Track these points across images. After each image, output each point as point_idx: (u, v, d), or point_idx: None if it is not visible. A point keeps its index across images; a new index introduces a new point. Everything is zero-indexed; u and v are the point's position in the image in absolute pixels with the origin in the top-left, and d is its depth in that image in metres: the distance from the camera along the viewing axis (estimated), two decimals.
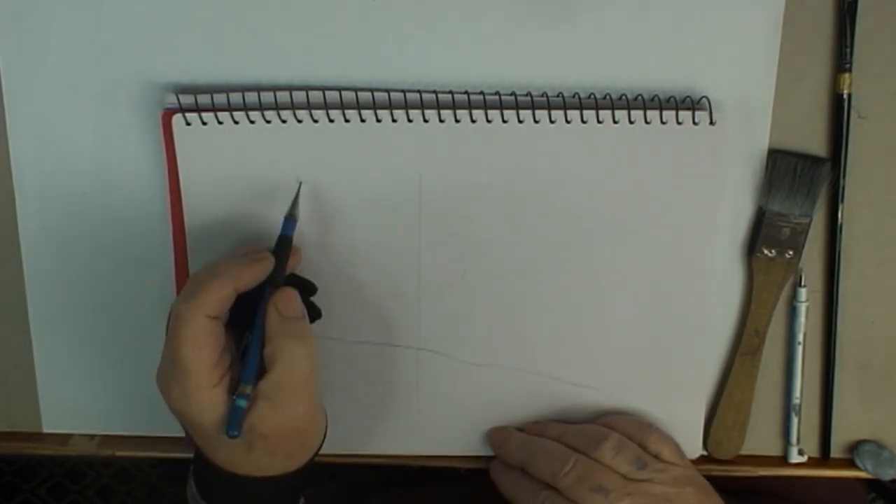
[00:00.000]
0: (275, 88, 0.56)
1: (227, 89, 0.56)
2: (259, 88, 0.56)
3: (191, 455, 0.55)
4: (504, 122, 0.55)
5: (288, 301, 0.52)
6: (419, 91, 0.56)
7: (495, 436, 0.60)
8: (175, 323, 0.49)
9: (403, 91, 0.56)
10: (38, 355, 0.62)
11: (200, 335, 0.48)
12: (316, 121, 0.55)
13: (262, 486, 0.52)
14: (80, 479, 1.37)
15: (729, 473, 0.62)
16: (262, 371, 0.50)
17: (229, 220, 0.57)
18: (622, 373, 0.60)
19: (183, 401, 0.49)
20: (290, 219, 0.55)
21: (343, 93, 0.55)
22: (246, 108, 0.55)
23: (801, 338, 0.60)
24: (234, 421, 0.48)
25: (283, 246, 0.53)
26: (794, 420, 0.61)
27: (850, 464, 0.62)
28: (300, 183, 0.56)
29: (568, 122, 0.55)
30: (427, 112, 0.55)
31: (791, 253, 0.58)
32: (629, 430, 0.57)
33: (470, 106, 0.55)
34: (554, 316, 0.59)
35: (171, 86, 0.57)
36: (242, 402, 0.49)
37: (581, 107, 0.55)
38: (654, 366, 0.60)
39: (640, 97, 0.55)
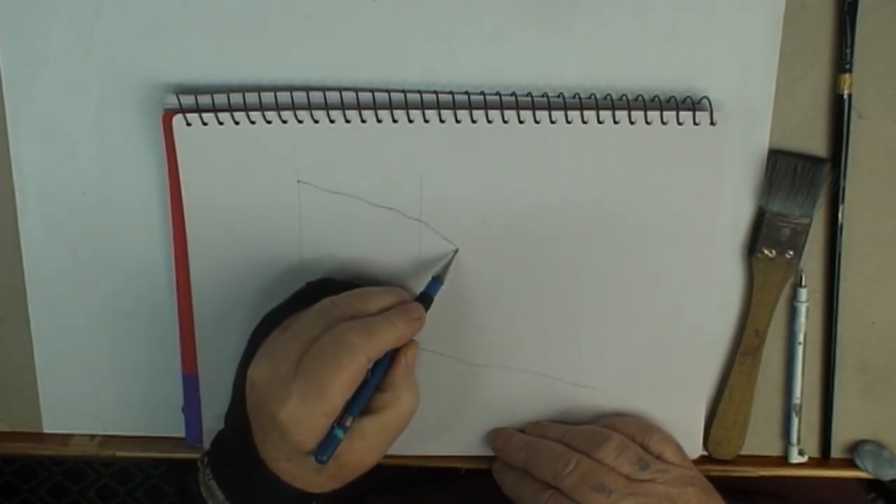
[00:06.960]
0: (275, 89, 0.56)
1: (228, 89, 0.56)
2: (259, 89, 0.56)
3: (190, 455, 0.55)
4: (504, 122, 0.55)
5: (415, 355, 0.54)
6: (419, 91, 0.56)
7: (497, 437, 0.60)
8: (340, 349, 0.49)
9: (403, 91, 0.56)
10: (38, 355, 0.62)
11: (356, 374, 0.50)
12: (316, 121, 0.55)
13: (303, 498, 0.52)
14: (80, 479, 1.37)
15: (729, 473, 0.62)
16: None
17: (230, 220, 0.57)
18: (622, 373, 0.60)
19: (295, 415, 0.49)
20: (437, 280, 0.56)
21: (343, 93, 0.55)
22: (246, 108, 0.55)
23: (801, 338, 0.60)
24: (327, 448, 0.49)
25: (426, 304, 0.55)
26: (795, 420, 0.61)
27: (850, 464, 0.62)
28: (456, 250, 0.57)
29: (568, 122, 0.55)
30: (427, 112, 0.55)
31: (791, 253, 0.58)
32: (631, 430, 0.58)
33: (470, 106, 0.55)
34: (554, 316, 0.59)
35: (171, 86, 0.57)
36: (340, 433, 0.50)
37: (581, 107, 0.55)
38: (654, 366, 0.60)
39: (640, 97, 0.55)
